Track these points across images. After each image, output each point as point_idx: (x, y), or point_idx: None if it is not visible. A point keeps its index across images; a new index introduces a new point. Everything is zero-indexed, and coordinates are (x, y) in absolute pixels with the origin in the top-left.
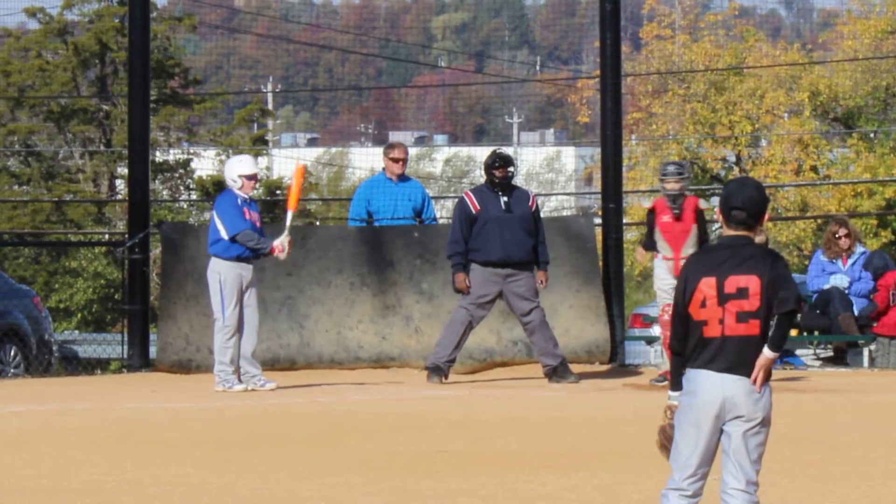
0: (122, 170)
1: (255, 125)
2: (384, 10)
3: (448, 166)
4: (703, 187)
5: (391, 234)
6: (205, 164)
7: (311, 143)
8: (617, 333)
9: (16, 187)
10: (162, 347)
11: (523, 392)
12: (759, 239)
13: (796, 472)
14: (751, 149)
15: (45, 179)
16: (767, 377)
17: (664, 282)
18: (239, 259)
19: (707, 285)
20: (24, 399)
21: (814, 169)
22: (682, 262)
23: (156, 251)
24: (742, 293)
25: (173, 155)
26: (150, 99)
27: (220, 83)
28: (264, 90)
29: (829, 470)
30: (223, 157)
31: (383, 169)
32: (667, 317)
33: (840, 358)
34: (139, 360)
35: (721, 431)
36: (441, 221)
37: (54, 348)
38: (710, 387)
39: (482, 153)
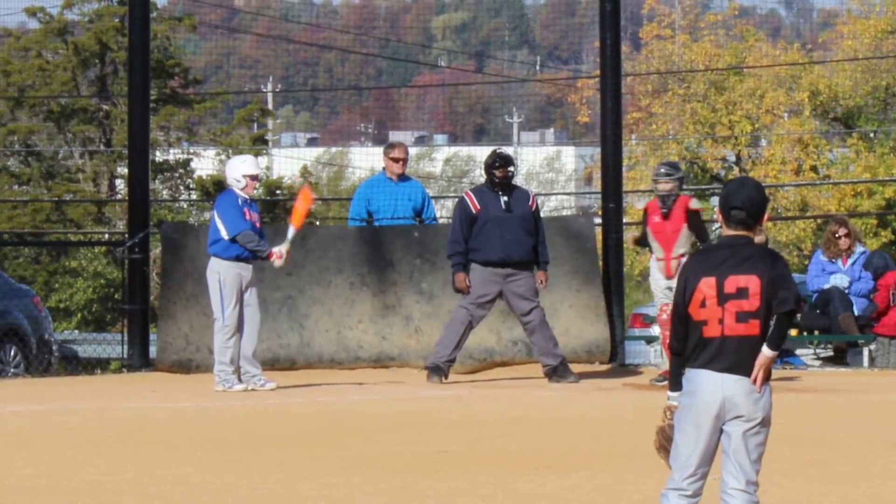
0: (122, 169)
1: (255, 125)
2: (384, 10)
3: (448, 166)
4: (703, 187)
5: (391, 233)
6: (205, 163)
7: (311, 142)
8: (617, 333)
9: (16, 187)
10: (162, 347)
11: (523, 392)
12: (758, 239)
13: (796, 472)
14: (751, 149)
15: (45, 179)
16: (767, 377)
17: (658, 282)
18: (238, 259)
19: (707, 285)
20: (24, 399)
21: (814, 169)
22: (672, 262)
23: (156, 251)
24: (742, 293)
25: (173, 155)
26: (150, 99)
27: (220, 83)
28: (264, 90)
29: (829, 470)
30: (223, 157)
31: (383, 169)
32: (665, 316)
33: (840, 358)
34: (139, 359)
35: (721, 431)
36: (441, 221)
37: (54, 348)
38: (709, 387)
39: (482, 153)
